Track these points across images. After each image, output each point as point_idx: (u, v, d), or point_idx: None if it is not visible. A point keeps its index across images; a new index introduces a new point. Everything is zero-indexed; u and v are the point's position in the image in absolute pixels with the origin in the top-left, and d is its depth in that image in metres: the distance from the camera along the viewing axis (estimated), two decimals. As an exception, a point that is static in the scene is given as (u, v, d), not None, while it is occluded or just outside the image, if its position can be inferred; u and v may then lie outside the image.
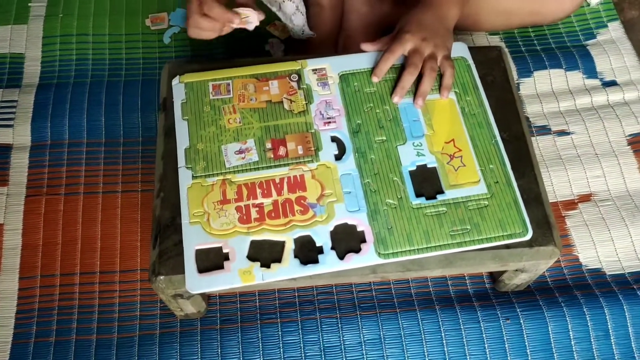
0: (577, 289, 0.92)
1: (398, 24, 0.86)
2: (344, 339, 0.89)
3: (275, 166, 0.78)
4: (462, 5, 0.88)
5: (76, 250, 0.97)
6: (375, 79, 0.84)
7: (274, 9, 0.96)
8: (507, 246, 0.74)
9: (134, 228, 0.98)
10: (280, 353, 0.88)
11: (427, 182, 0.77)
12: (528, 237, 0.73)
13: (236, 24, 0.83)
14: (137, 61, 1.16)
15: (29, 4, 1.23)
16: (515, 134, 0.82)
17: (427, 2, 0.86)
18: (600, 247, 0.96)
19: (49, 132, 1.07)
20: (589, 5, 1.18)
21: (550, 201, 0.97)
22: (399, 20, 0.86)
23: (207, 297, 0.90)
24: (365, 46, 0.86)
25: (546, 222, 0.75)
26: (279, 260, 0.72)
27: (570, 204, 1.00)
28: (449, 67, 0.82)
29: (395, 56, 0.83)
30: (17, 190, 1.01)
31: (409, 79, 0.81)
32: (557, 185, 1.01)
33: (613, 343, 0.88)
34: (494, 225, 0.74)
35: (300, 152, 0.79)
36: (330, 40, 1.04)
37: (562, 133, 1.06)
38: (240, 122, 0.81)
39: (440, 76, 0.83)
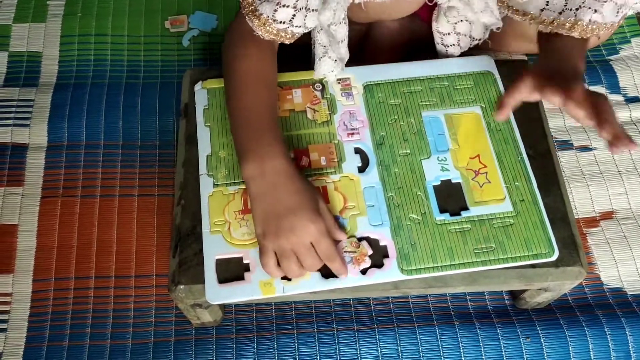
0: (598, 308, 0.91)
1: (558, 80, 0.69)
2: (361, 352, 0.88)
3: (298, 177, 0.77)
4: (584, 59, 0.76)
5: (91, 253, 0.96)
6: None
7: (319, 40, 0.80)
8: (533, 265, 0.73)
9: (150, 233, 0.97)
10: (296, 365, 0.87)
11: (451, 197, 0.76)
12: (554, 257, 0.72)
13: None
14: (156, 63, 1.15)
15: (47, 3, 1.22)
16: (541, 151, 0.80)
17: (567, 54, 0.74)
18: (622, 266, 0.95)
19: (65, 133, 1.06)
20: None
21: (572, 218, 0.96)
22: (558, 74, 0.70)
23: (223, 306, 0.89)
24: (500, 116, 0.74)
25: (572, 242, 0.74)
26: (300, 273, 0.71)
27: (592, 221, 0.99)
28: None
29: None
30: (33, 191, 1.01)
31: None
32: (578, 201, 1.00)
33: (634, 365, 0.88)
34: (519, 244, 0.73)
35: (323, 162, 0.78)
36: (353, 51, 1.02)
37: (585, 149, 1.05)
38: (263, 131, 0.80)
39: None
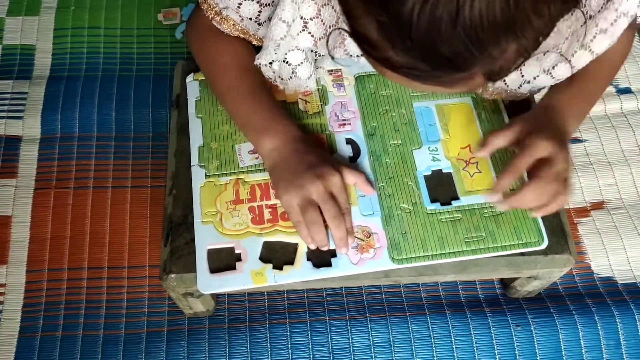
0: (588, 297, 0.92)
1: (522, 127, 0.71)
2: (353, 341, 0.88)
3: (290, 167, 0.77)
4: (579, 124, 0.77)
5: (84, 244, 0.96)
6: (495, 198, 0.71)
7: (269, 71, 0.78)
8: (522, 253, 0.73)
9: (142, 224, 0.98)
10: (288, 354, 0.87)
11: (442, 187, 0.76)
12: (543, 246, 0.72)
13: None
14: (149, 56, 1.15)
15: (40, -5, 1.22)
16: (531, 141, 0.81)
17: (561, 114, 0.73)
18: (613, 256, 0.96)
19: (59, 125, 1.06)
20: None
21: (563, 208, 0.97)
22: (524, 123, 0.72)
23: (215, 296, 0.89)
24: (480, 152, 0.74)
25: (561, 230, 0.75)
26: (291, 262, 0.72)
27: (583, 211, 0.99)
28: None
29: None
30: (26, 183, 1.01)
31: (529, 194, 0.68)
32: (569, 192, 1.01)
33: (624, 352, 0.88)
34: (509, 233, 0.73)
35: (315, 153, 0.78)
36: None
37: (575, 140, 1.06)
38: (254, 122, 0.80)
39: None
